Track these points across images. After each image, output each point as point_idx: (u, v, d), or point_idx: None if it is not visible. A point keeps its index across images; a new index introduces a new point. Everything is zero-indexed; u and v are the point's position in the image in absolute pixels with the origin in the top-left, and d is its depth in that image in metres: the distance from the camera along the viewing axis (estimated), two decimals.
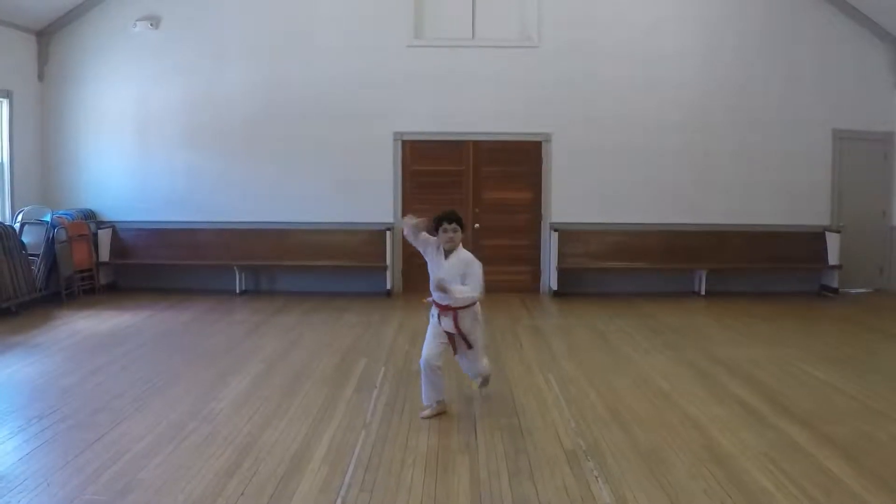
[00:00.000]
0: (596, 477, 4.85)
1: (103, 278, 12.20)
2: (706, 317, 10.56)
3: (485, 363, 6.47)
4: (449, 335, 6.07)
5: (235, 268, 12.13)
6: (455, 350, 6.17)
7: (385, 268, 11.85)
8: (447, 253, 6.03)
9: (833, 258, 12.18)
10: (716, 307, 11.20)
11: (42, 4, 11.73)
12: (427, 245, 6.10)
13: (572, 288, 12.19)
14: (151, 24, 12.18)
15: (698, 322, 10.19)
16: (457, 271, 5.93)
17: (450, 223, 6.00)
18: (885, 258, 12.78)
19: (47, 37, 12.23)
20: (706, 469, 4.97)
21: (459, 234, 6.04)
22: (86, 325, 9.60)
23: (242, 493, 4.56)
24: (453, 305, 5.97)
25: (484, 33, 12.40)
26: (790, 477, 4.83)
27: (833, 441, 5.50)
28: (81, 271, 11.63)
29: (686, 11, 12.37)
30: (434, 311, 6.12)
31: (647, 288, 12.38)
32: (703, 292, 12.10)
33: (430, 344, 6.08)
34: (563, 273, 12.13)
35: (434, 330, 6.10)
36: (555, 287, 12.11)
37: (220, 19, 12.32)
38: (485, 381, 6.58)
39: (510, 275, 12.36)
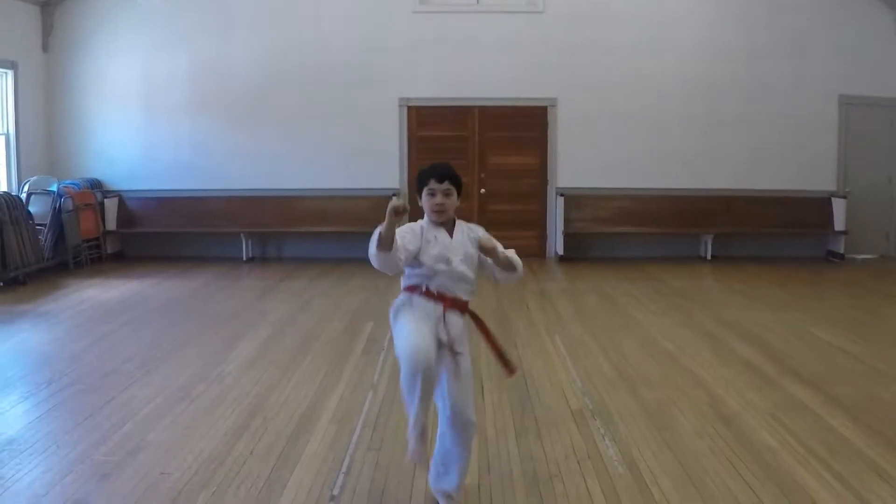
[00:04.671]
0: (603, 435, 4.88)
1: (110, 247, 12.25)
2: (713, 280, 10.59)
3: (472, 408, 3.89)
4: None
5: (242, 235, 12.16)
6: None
7: None
8: (447, 229, 3.82)
9: (839, 224, 12.15)
10: (722, 271, 11.21)
11: None
12: (405, 241, 3.68)
13: (579, 253, 12.20)
14: None
15: (705, 286, 10.23)
16: (470, 253, 3.81)
17: (439, 181, 3.76)
18: (891, 224, 12.75)
19: (52, 7, 12.15)
20: (712, 427, 5.00)
21: (454, 200, 3.80)
22: (93, 293, 9.63)
23: (251, 453, 4.60)
24: (460, 299, 3.82)
25: None
26: (795, 435, 4.85)
27: (838, 401, 5.51)
28: (88, 240, 11.66)
29: None
30: (424, 304, 3.77)
31: (653, 252, 12.38)
32: (709, 257, 12.12)
33: (420, 334, 3.59)
34: (569, 238, 12.13)
35: (421, 323, 3.66)
36: (561, 252, 12.12)
37: None
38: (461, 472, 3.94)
39: (516, 240, 11.96)
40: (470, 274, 3.81)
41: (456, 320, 3.79)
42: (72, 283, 10.27)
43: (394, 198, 3.59)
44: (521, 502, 4.00)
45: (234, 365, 6.45)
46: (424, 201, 3.81)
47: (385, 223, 3.49)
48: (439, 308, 3.76)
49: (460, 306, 3.82)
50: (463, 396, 3.79)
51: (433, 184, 3.76)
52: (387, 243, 3.54)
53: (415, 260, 3.75)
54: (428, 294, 3.78)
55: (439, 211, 3.77)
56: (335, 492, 4.11)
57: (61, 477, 4.24)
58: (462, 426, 3.80)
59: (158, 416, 5.22)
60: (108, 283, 10.23)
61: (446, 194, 3.76)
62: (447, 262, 3.75)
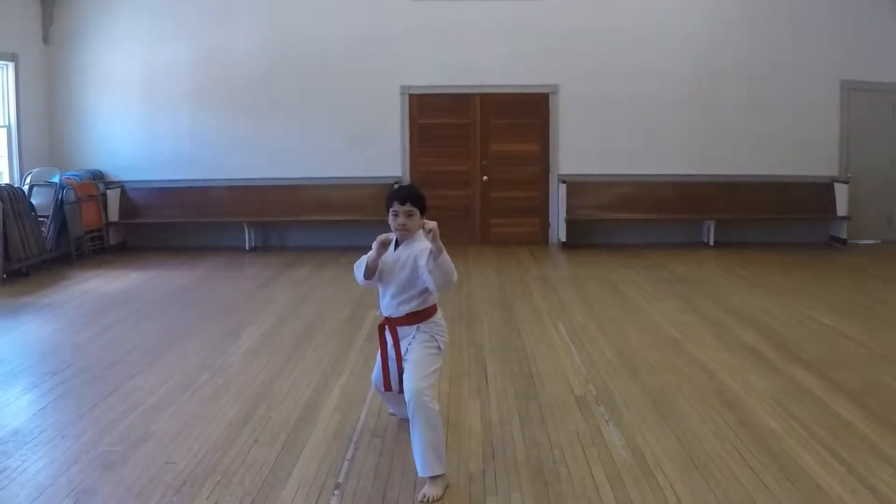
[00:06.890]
0: (607, 421, 4.88)
1: (113, 238, 12.23)
2: (715, 266, 10.57)
3: (425, 397, 4.00)
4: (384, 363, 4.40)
5: (245, 224, 12.15)
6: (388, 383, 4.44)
7: None
8: (397, 244, 4.20)
9: (841, 209, 12.12)
10: (725, 257, 11.19)
11: None
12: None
13: (581, 239, 12.19)
14: None
15: (708, 272, 10.20)
16: (406, 265, 4.11)
17: (402, 203, 4.09)
18: (894, 209, 12.69)
19: None
20: (716, 412, 5.00)
21: (417, 219, 4.10)
22: (97, 284, 9.64)
23: (256, 441, 4.61)
24: (415, 310, 4.20)
25: None
26: (799, 420, 4.85)
27: (841, 386, 5.51)
28: (91, 232, 11.64)
29: None
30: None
31: (655, 239, 12.36)
32: (711, 242, 12.09)
33: (379, 366, 4.49)
34: (571, 224, 12.12)
35: (383, 347, 4.39)
36: (563, 238, 12.11)
37: None
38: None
39: (519, 227, 12.40)
40: (408, 290, 4.16)
41: (406, 330, 4.22)
42: (75, 274, 10.27)
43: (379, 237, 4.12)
44: (526, 488, 4.00)
45: (238, 354, 6.46)
46: (390, 221, 4.17)
47: (372, 253, 4.10)
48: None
49: (403, 322, 4.21)
50: (408, 379, 4.08)
51: (396, 205, 4.11)
52: (371, 271, 4.17)
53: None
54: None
55: (402, 231, 4.15)
56: (339, 479, 4.12)
57: (66, 467, 4.25)
58: (410, 413, 4.02)
59: (162, 405, 5.23)
60: (110, 274, 10.23)
61: (408, 215, 4.11)
62: (387, 278, 4.21)
